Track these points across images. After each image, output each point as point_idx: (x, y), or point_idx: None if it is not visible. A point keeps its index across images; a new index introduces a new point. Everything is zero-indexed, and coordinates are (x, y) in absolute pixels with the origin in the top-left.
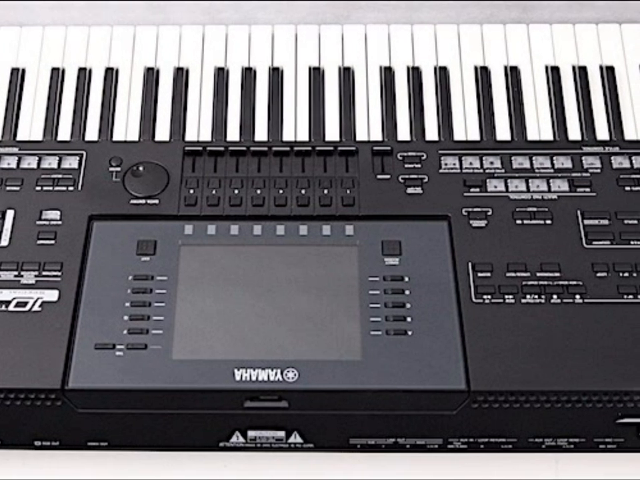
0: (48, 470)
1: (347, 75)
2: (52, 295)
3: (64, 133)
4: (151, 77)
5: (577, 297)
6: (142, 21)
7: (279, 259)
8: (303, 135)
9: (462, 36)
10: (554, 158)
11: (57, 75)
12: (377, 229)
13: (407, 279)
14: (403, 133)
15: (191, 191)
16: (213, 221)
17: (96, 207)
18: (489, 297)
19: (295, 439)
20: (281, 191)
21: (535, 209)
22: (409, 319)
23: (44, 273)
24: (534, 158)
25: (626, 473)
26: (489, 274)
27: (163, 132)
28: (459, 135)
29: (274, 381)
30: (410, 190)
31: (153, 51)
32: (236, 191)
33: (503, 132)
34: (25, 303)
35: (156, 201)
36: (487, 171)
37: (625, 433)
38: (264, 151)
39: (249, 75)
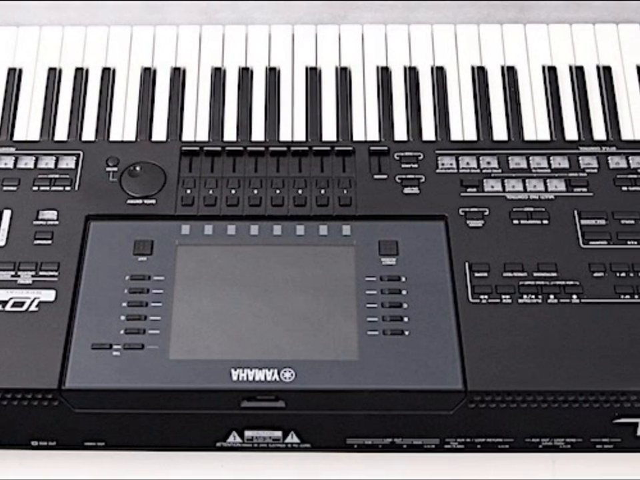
0: (45, 470)
1: (343, 75)
2: (49, 295)
3: (61, 133)
4: (148, 76)
5: (574, 297)
6: (139, 21)
7: (276, 258)
8: (300, 135)
9: (459, 36)
10: (551, 158)
11: (53, 75)
12: (373, 228)
13: (403, 279)
14: (400, 132)
15: (188, 191)
16: (210, 221)
17: (93, 206)
18: (486, 296)
19: (292, 439)
20: (277, 191)
21: (531, 209)
22: (405, 319)
23: (41, 273)
24: (531, 158)
25: (623, 473)
26: (485, 274)
27: (159, 132)
28: (455, 135)
29: (271, 381)
30: (407, 190)
31: (150, 51)
32: (233, 191)
33: (499, 132)
34: (22, 303)
35: (153, 201)
36: (483, 170)
37: (621, 433)
38: (261, 150)
39: (245, 74)
